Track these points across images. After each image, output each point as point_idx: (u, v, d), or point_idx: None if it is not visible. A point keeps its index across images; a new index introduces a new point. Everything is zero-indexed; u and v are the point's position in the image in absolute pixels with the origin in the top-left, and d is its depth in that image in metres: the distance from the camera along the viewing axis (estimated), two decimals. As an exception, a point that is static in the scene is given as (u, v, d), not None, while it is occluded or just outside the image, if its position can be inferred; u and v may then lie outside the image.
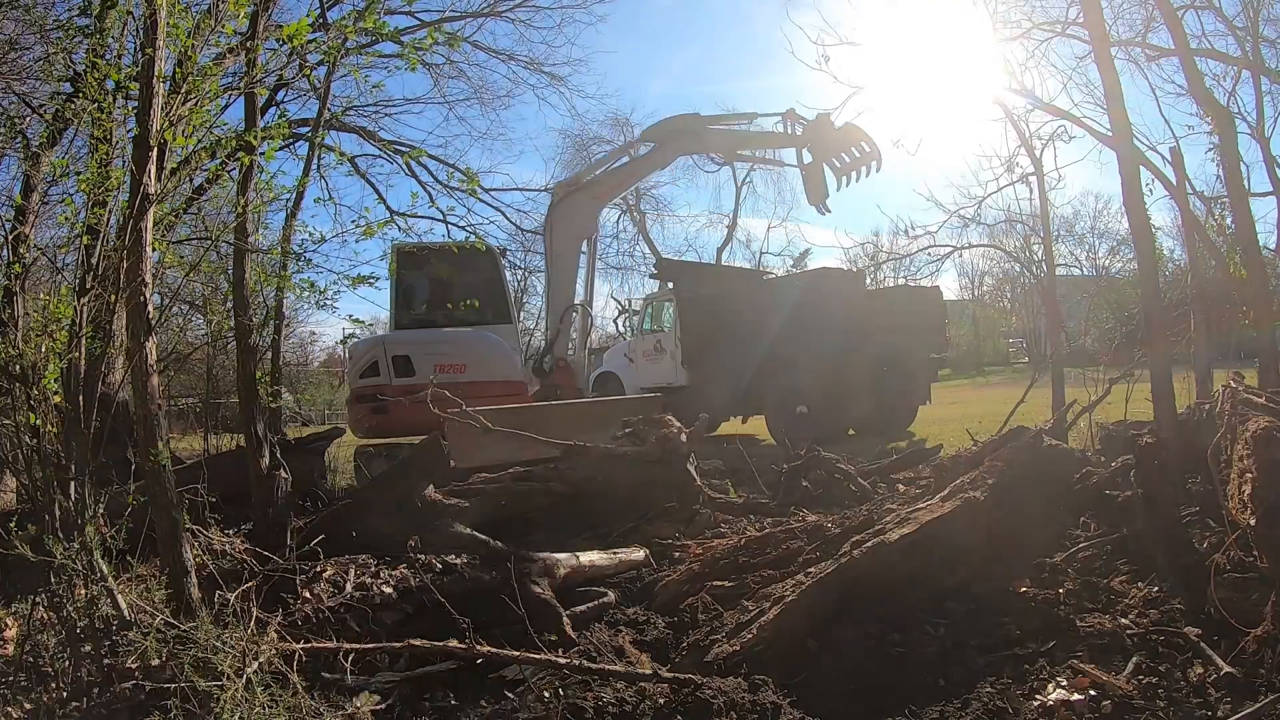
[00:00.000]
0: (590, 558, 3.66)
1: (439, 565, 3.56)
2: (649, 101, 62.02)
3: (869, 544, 2.83)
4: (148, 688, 2.18)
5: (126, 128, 3.16)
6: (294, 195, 4.10)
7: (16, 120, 4.80)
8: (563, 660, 2.49)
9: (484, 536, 3.71)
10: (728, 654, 2.50)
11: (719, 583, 3.31)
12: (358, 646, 2.56)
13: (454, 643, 2.56)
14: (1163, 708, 2.08)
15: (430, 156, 11.08)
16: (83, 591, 2.45)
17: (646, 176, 12.08)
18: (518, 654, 2.54)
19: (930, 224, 8.78)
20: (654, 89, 53.09)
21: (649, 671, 2.42)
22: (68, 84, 4.01)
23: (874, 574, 2.75)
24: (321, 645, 2.50)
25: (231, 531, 3.86)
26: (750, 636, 2.57)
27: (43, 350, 2.58)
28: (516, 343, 8.97)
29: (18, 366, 2.55)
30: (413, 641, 2.60)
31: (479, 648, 2.51)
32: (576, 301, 9.89)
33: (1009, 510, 3.03)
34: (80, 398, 2.61)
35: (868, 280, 13.59)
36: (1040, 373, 7.59)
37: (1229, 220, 6.82)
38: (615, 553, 3.83)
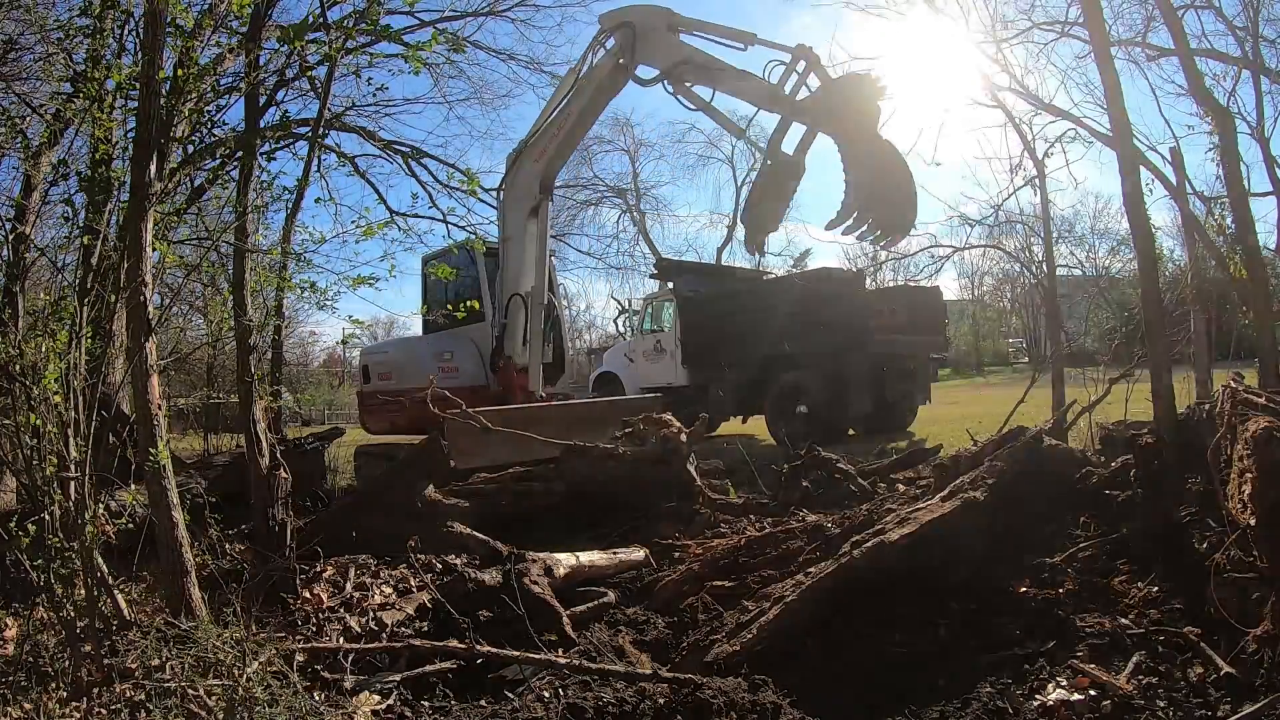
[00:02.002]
0: (590, 558, 3.66)
1: (439, 565, 3.57)
2: (648, 101, 62.08)
3: (869, 544, 2.84)
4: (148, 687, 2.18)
5: (126, 128, 3.17)
6: (294, 195, 4.10)
7: (16, 120, 4.79)
8: (562, 660, 2.50)
9: (483, 536, 3.72)
10: (728, 654, 2.51)
11: (719, 583, 3.31)
12: (357, 647, 2.55)
13: (454, 642, 2.56)
14: (1163, 708, 2.08)
15: (430, 156, 11.04)
16: (83, 591, 2.45)
17: (595, 105, 7.86)
18: (517, 654, 2.54)
19: (930, 224, 8.79)
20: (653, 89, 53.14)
21: (649, 672, 2.42)
22: (68, 84, 4.00)
23: (874, 574, 2.75)
24: (322, 646, 2.49)
25: (231, 532, 3.87)
26: (750, 637, 2.57)
27: (43, 350, 2.58)
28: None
29: (18, 366, 2.55)
30: (413, 641, 2.60)
31: (478, 647, 2.51)
32: (523, 290, 7.92)
33: (1009, 510, 3.02)
34: (80, 398, 2.61)
35: (868, 280, 13.56)
36: (1040, 373, 7.58)
37: (1229, 220, 6.82)
38: (615, 553, 3.83)
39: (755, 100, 6.76)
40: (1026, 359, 35.39)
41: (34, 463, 2.52)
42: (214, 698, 2.13)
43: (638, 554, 3.88)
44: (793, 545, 3.45)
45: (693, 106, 7.08)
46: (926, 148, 17.58)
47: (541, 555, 3.41)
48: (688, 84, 6.92)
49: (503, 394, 7.89)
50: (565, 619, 3.03)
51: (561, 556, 3.50)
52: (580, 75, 7.72)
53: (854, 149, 5.73)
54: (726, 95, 6.93)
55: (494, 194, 12.36)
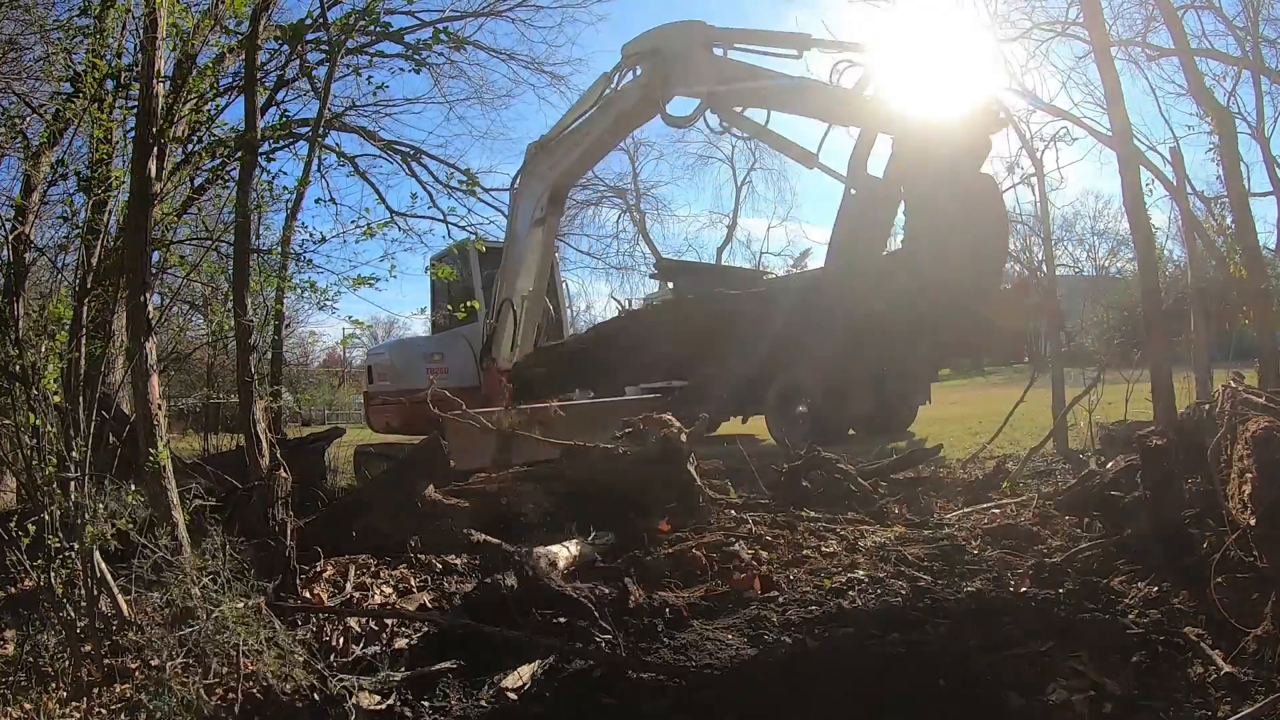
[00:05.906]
0: (585, 548, 3.71)
1: (439, 565, 3.57)
2: (649, 101, 62.03)
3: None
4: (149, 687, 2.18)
5: (126, 128, 3.17)
6: (294, 195, 4.10)
7: (16, 120, 4.80)
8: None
9: (496, 540, 3.72)
10: None
11: None
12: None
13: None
14: (1163, 708, 2.08)
15: (431, 156, 11.04)
16: (82, 591, 2.45)
17: (618, 130, 7.02)
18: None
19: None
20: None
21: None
22: (68, 84, 4.01)
23: None
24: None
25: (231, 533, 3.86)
26: None
27: (43, 350, 2.58)
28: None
29: (18, 366, 2.55)
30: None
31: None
32: (516, 295, 7.49)
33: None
34: (80, 398, 2.61)
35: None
36: (1040, 373, 7.57)
37: (1229, 220, 6.83)
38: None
39: (822, 114, 5.63)
40: (1027, 359, 35.36)
41: (34, 463, 2.52)
42: (214, 697, 2.13)
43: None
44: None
45: (746, 134, 6.24)
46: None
47: (541, 550, 3.43)
48: (737, 109, 5.92)
49: (488, 395, 7.87)
50: (594, 609, 3.02)
51: (556, 548, 3.53)
52: (606, 93, 6.80)
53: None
54: (788, 115, 5.85)
55: (491, 194, 12.40)
